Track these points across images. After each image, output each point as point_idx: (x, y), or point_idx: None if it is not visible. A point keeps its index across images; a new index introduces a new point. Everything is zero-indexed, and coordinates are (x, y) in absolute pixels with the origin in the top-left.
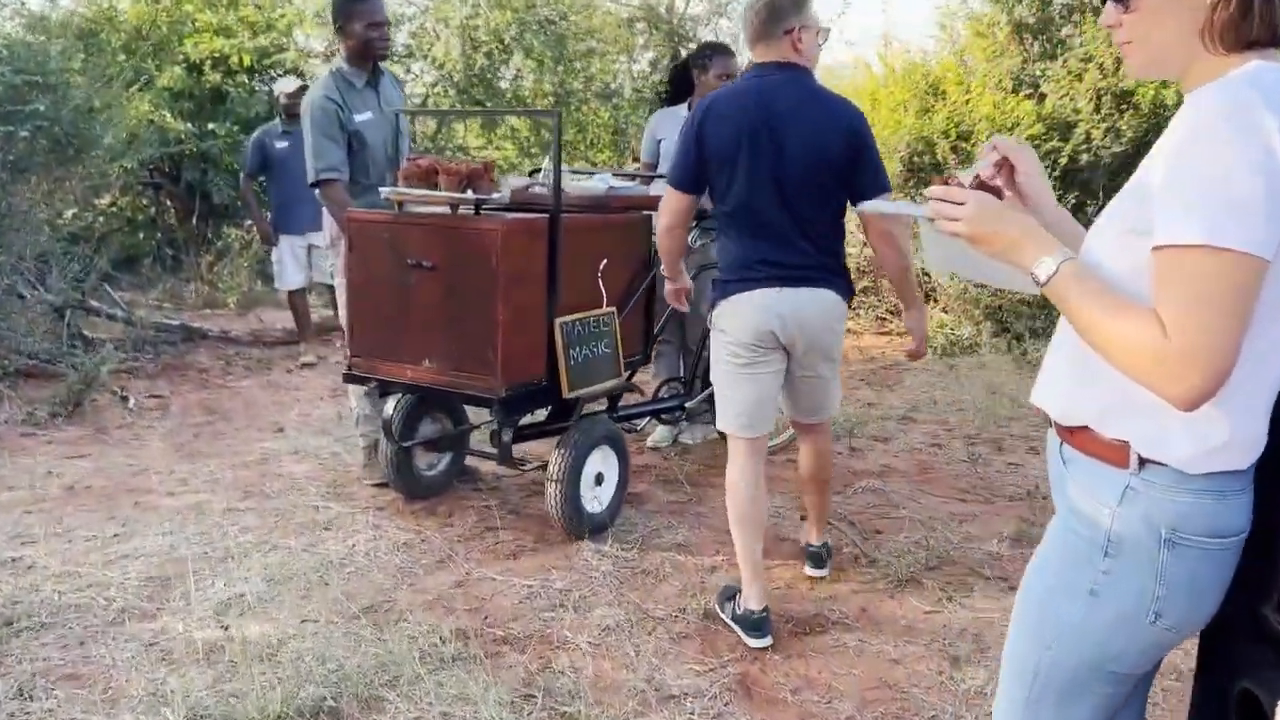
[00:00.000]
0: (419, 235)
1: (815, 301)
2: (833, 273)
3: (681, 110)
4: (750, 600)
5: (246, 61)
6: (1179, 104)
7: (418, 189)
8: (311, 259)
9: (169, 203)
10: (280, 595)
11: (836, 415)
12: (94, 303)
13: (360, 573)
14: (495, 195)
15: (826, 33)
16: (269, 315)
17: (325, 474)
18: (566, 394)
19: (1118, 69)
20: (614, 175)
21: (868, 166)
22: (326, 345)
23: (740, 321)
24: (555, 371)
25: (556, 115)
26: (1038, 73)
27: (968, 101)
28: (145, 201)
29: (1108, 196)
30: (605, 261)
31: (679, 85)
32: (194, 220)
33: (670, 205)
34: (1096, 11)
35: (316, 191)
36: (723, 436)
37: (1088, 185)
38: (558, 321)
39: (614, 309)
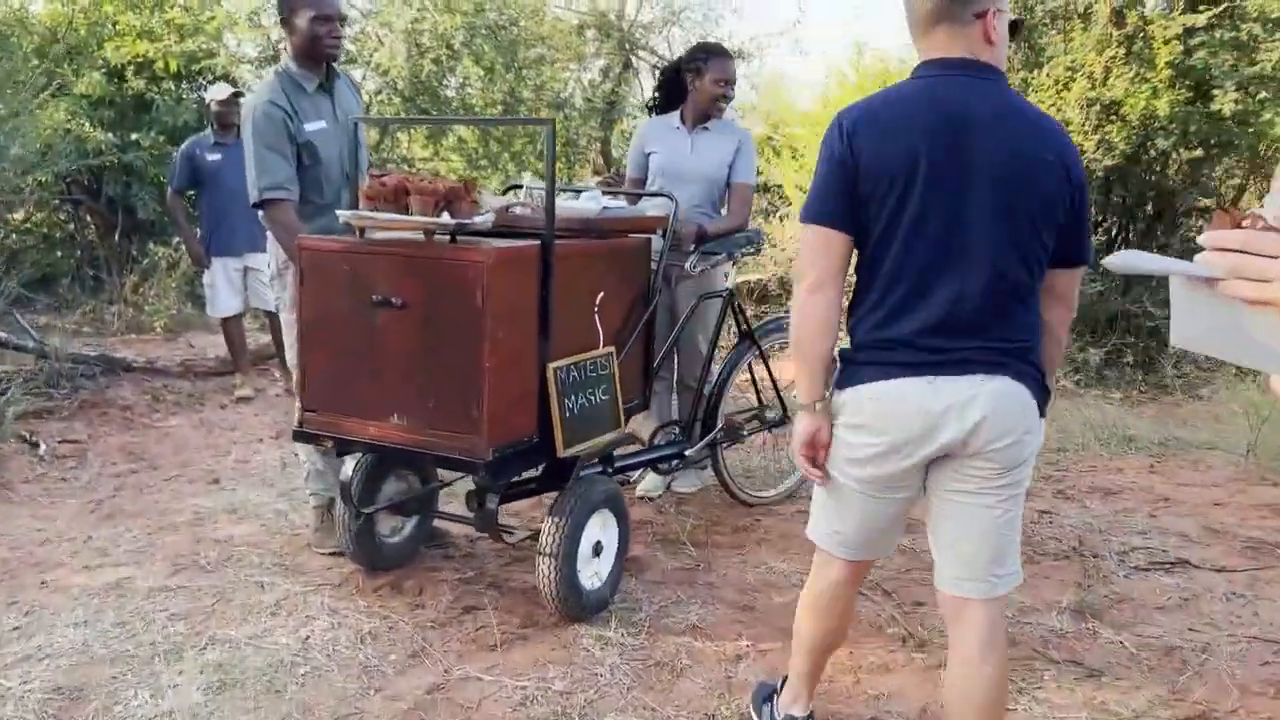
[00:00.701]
0: (386, 267)
1: (1002, 400)
2: (1025, 359)
3: (673, 120)
4: (795, 706)
5: (173, 67)
6: (1172, 115)
7: (384, 212)
8: (248, 282)
9: (89, 218)
10: (221, 709)
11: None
12: (1, 332)
13: (318, 674)
14: (478, 218)
15: (1009, 22)
16: (200, 340)
17: (270, 539)
18: (562, 452)
19: (1106, 78)
20: (604, 193)
21: (1082, 218)
22: (264, 375)
23: (880, 423)
24: (548, 426)
25: (550, 125)
26: (1021, 82)
27: None
28: (63, 217)
29: (1101, 212)
30: (601, 294)
31: (670, 92)
32: (116, 237)
33: (818, 250)
34: (1084, 19)
35: (260, 213)
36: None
37: None
38: (551, 367)
39: (612, 349)
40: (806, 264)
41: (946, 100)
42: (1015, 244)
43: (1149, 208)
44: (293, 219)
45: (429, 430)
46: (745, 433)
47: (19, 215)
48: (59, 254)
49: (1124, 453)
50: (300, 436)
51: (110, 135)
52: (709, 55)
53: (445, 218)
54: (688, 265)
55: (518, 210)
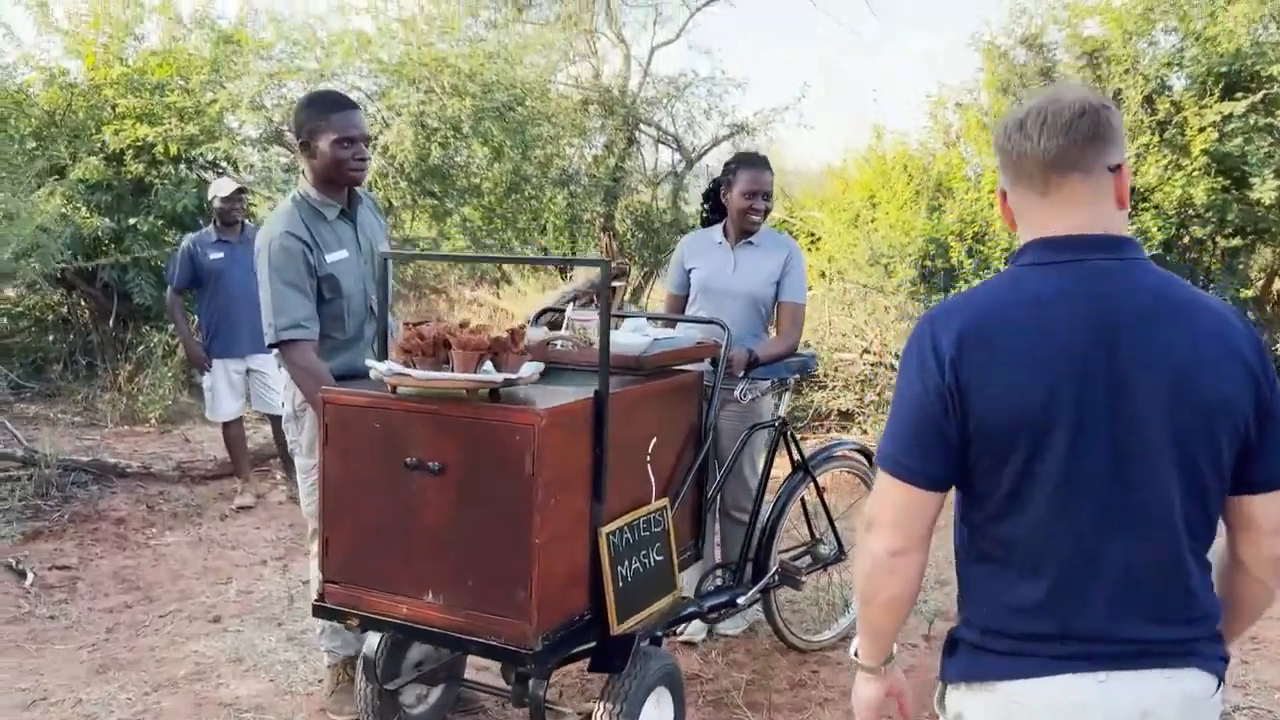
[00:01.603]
0: (422, 426)
1: (1177, 700)
2: (1206, 638)
3: (715, 234)
4: None
5: (173, 150)
6: (1210, 203)
7: (422, 366)
8: (250, 384)
9: (83, 303)
10: None
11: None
12: None
13: None
14: (525, 370)
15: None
16: (196, 434)
17: (280, 700)
18: (616, 629)
19: (1138, 167)
20: (649, 320)
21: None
22: (264, 478)
23: None
24: (600, 598)
25: (605, 265)
26: None
27: (978, 200)
28: (56, 300)
29: None
30: (654, 440)
31: (715, 205)
32: (111, 323)
33: (902, 510)
34: (1116, 105)
35: (275, 352)
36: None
37: None
38: (603, 532)
39: (666, 501)
40: (887, 520)
41: (1087, 303)
42: (1197, 490)
43: None
44: (312, 360)
45: (468, 612)
46: (802, 577)
47: (10, 293)
48: (50, 338)
49: None
50: (321, 612)
51: (107, 220)
52: (738, 165)
53: (488, 368)
54: (737, 393)
55: (559, 346)
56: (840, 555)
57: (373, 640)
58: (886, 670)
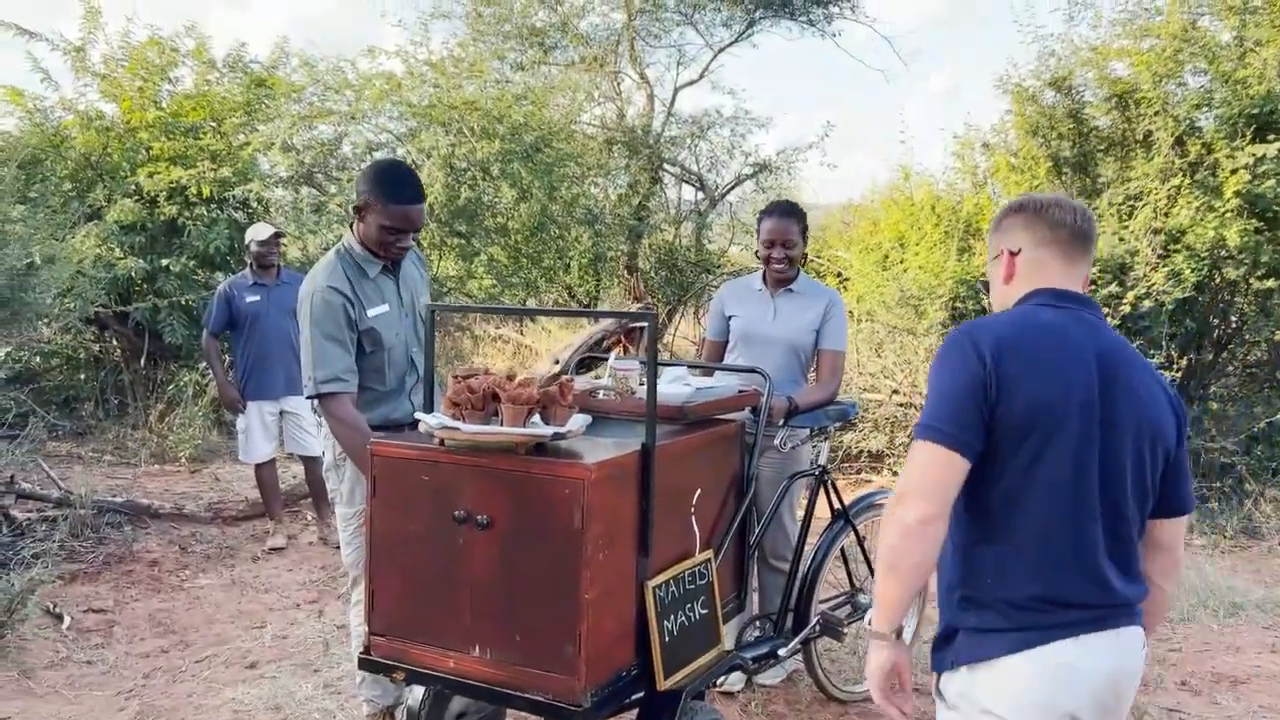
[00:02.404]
0: (471, 479)
1: (1133, 653)
2: (1138, 605)
3: (754, 282)
4: None
5: (206, 193)
6: (1243, 245)
7: (472, 421)
8: (284, 426)
9: (115, 342)
10: None
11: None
12: (23, 484)
13: None
14: (573, 423)
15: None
16: (226, 473)
17: None
18: (662, 685)
19: (1170, 207)
20: (689, 369)
21: (1186, 461)
22: (296, 519)
23: (1019, 699)
24: (646, 652)
25: (651, 319)
26: None
27: None
28: (89, 338)
29: (1170, 345)
30: (699, 492)
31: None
32: (142, 362)
33: (939, 476)
34: (1145, 145)
35: (314, 402)
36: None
37: (1149, 333)
38: (650, 586)
39: (710, 553)
40: (920, 488)
41: (1089, 337)
42: (1143, 491)
43: (1215, 337)
44: (351, 413)
45: (515, 667)
46: (843, 627)
47: (45, 331)
48: (82, 376)
49: (1235, 623)
50: (367, 665)
51: (141, 261)
52: (761, 216)
53: (537, 420)
54: (777, 441)
55: (602, 396)
56: None
57: (418, 693)
58: (897, 640)
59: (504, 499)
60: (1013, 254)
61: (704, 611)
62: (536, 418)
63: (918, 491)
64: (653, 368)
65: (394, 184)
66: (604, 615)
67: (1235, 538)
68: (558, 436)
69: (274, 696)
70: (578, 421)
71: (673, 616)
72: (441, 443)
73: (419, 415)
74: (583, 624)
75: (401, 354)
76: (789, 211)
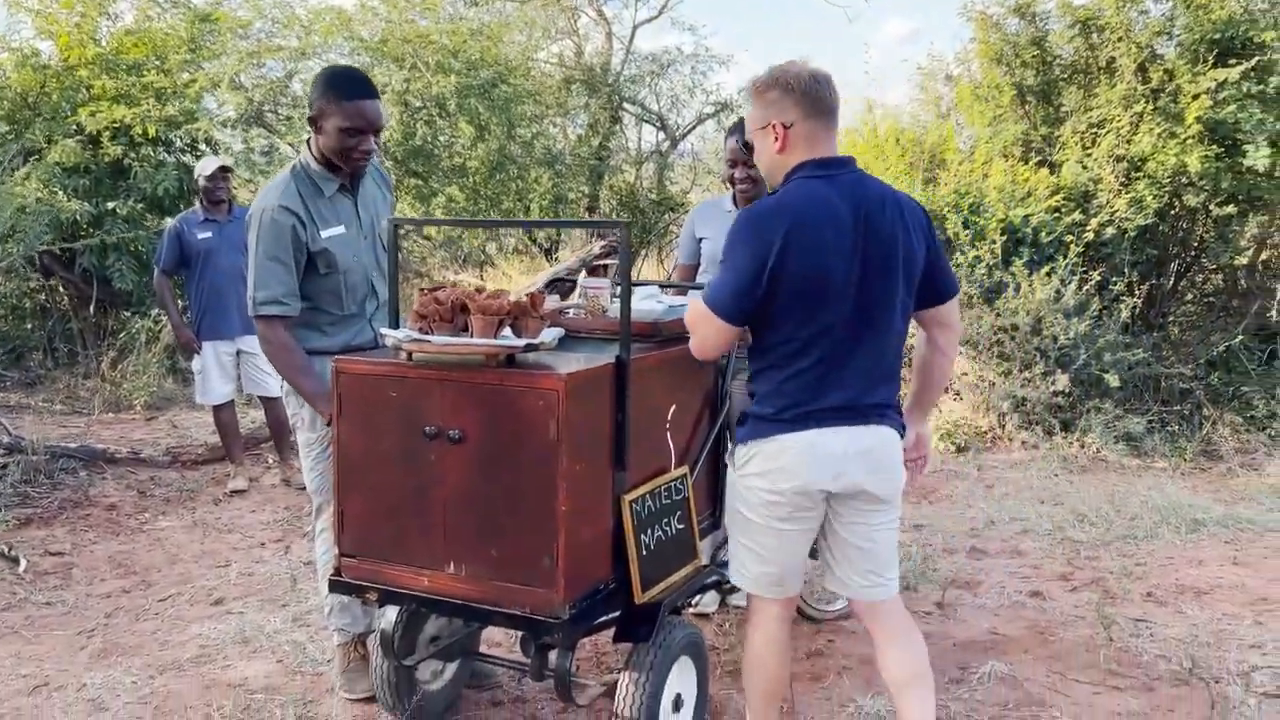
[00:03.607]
0: (441, 394)
1: (884, 441)
2: (897, 408)
3: (725, 202)
4: None
5: (151, 132)
6: (1203, 171)
7: (440, 333)
8: (241, 366)
9: (62, 289)
10: None
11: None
12: None
13: None
14: (546, 335)
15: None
16: (184, 420)
17: (289, 680)
18: (640, 598)
19: (1133, 134)
20: (661, 288)
21: (942, 255)
22: (257, 462)
23: (789, 469)
24: (623, 567)
25: (625, 227)
26: (1042, 139)
27: (972, 171)
28: (33, 286)
29: (1133, 271)
30: (674, 408)
31: None
32: (92, 309)
33: (715, 340)
34: (1109, 73)
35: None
36: None
37: (1111, 260)
38: (626, 500)
39: (685, 469)
40: (701, 339)
41: (857, 200)
42: (903, 312)
43: (1175, 265)
44: (285, 338)
45: (492, 583)
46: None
47: None
48: (29, 326)
49: (1197, 538)
50: (338, 587)
51: (85, 204)
52: (726, 135)
53: (508, 333)
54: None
55: (573, 314)
56: None
57: (390, 615)
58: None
59: (476, 413)
60: (786, 126)
61: (680, 526)
62: (507, 330)
63: (696, 336)
64: (626, 277)
65: (346, 82)
66: (581, 528)
67: (1195, 460)
68: (530, 348)
69: (242, 630)
70: (550, 334)
71: (650, 530)
72: (409, 357)
73: (383, 331)
74: (560, 536)
75: (361, 277)
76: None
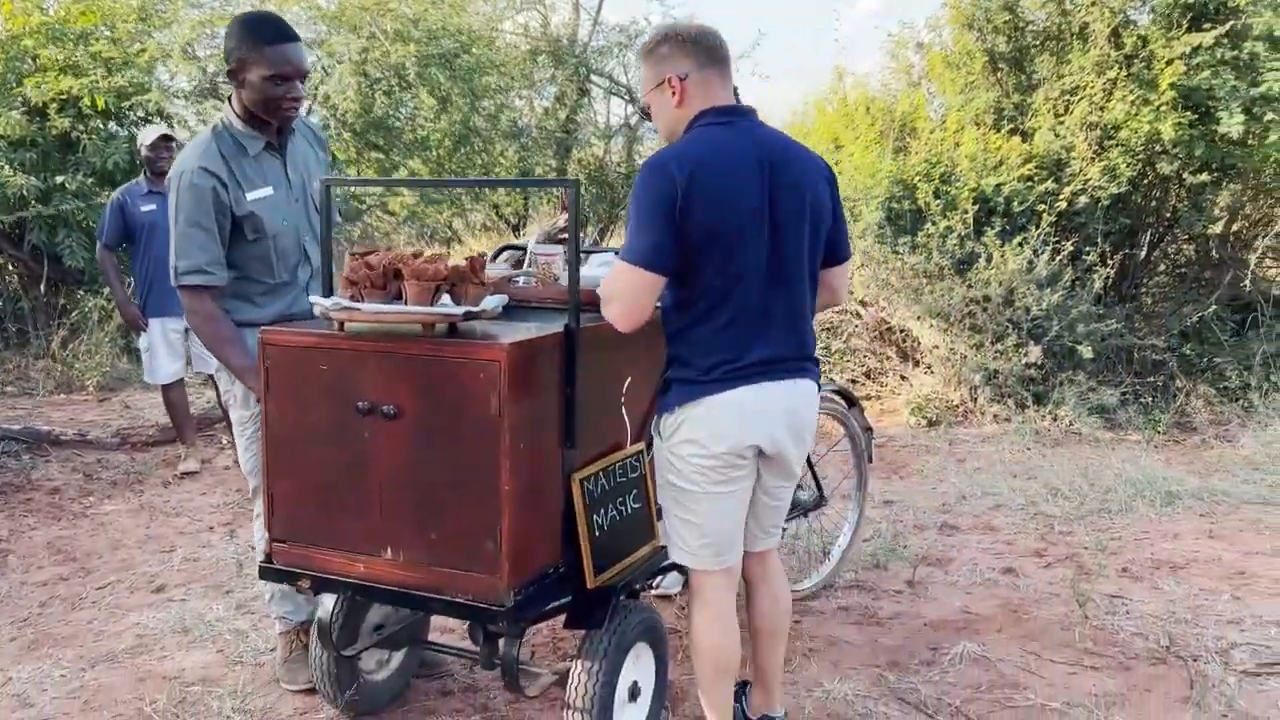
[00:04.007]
0: (375, 367)
1: (806, 397)
2: (815, 361)
3: None
4: None
5: (100, 104)
6: (1177, 139)
7: (372, 300)
8: (190, 344)
9: (10, 268)
10: None
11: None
12: None
13: None
14: (488, 302)
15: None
16: (137, 400)
17: (229, 672)
18: (593, 582)
19: (1106, 101)
20: (616, 254)
21: (844, 223)
22: (209, 443)
23: (720, 430)
24: (574, 549)
25: (575, 185)
26: (1014, 106)
27: (944, 140)
28: None
29: (1106, 241)
30: (629, 380)
31: None
32: (42, 288)
33: (642, 296)
34: (1082, 39)
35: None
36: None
37: (1084, 229)
38: (577, 478)
39: (642, 445)
40: (621, 297)
41: (760, 145)
42: (813, 261)
43: (1148, 235)
44: (212, 309)
45: (432, 568)
46: (783, 526)
47: None
48: None
49: (1172, 512)
50: (269, 574)
51: (33, 179)
52: None
53: (446, 302)
54: None
55: (522, 282)
56: (820, 501)
57: (327, 603)
58: None
59: (412, 386)
60: (681, 79)
61: (636, 506)
62: (446, 298)
63: (619, 299)
64: (574, 239)
65: (266, 27)
66: (527, 509)
67: (1169, 432)
68: (470, 316)
69: (182, 619)
70: (492, 301)
71: (603, 511)
72: (341, 327)
73: (312, 299)
74: (504, 518)
75: (292, 242)
76: None
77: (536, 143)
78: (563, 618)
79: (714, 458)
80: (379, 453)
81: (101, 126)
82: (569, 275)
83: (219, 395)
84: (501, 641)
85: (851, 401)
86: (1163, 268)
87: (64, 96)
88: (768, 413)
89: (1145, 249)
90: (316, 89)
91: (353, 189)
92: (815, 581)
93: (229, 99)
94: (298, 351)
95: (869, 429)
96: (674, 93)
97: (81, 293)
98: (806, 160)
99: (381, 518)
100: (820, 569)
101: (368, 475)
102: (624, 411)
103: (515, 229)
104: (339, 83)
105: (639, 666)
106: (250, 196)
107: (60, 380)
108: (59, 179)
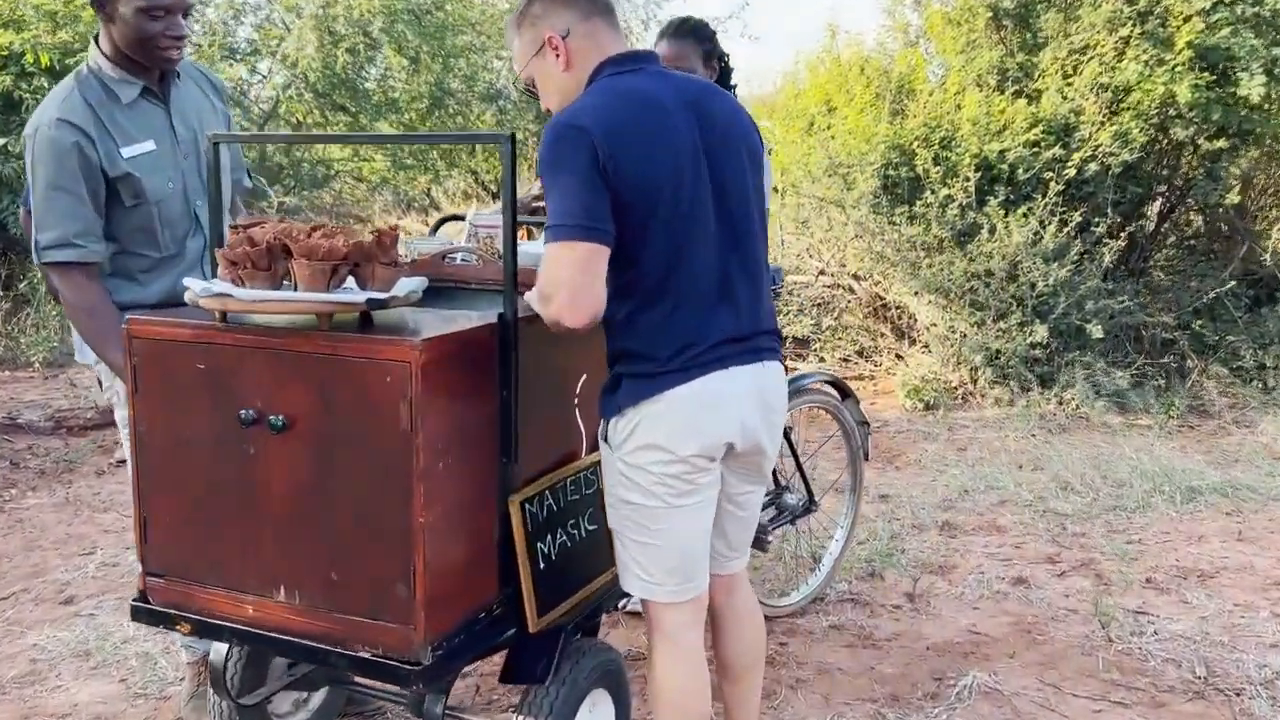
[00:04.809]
0: (260, 366)
1: (776, 380)
2: (779, 336)
3: None
4: None
5: (45, 61)
6: (1193, 102)
7: (256, 285)
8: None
9: None
10: None
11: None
12: None
13: None
14: (402, 286)
15: None
16: (85, 378)
17: (128, 707)
18: (535, 625)
19: (1118, 61)
20: None
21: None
22: None
23: (687, 427)
24: (513, 584)
25: (508, 140)
26: (1018, 66)
27: (944, 102)
28: None
29: (1115, 211)
30: (584, 377)
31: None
32: None
33: (587, 278)
34: None
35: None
36: None
37: (1093, 199)
38: (516, 500)
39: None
40: (569, 285)
41: (674, 90)
42: (760, 213)
43: (1157, 206)
44: (89, 292)
45: (334, 615)
46: (769, 536)
47: None
48: None
49: (1194, 509)
50: (142, 616)
51: None
52: (656, 41)
53: (350, 287)
54: None
55: (460, 260)
56: (810, 505)
57: (220, 646)
58: None
59: (305, 392)
60: (563, 37)
61: (592, 527)
62: (350, 281)
63: (562, 288)
64: (510, 207)
65: None
66: (449, 543)
67: (1183, 416)
68: (376, 305)
69: (85, 640)
70: (408, 285)
71: (549, 538)
72: (222, 318)
73: (186, 281)
74: (418, 556)
75: (179, 208)
76: (683, 31)
77: (516, 106)
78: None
79: (681, 462)
80: (268, 472)
81: (46, 85)
82: (504, 250)
83: (100, 389)
84: (425, 697)
85: (846, 393)
86: (1171, 240)
87: (5, 53)
88: (738, 401)
89: (1155, 220)
90: (277, 46)
91: (276, 151)
92: (803, 595)
93: (94, 37)
94: (169, 345)
95: (865, 423)
96: (558, 54)
97: (29, 262)
98: (728, 100)
99: (274, 551)
100: (809, 580)
101: (256, 499)
102: (578, 414)
103: (495, 196)
104: (298, 39)
105: (595, 717)
106: (126, 153)
107: (4, 356)
108: (1, 141)
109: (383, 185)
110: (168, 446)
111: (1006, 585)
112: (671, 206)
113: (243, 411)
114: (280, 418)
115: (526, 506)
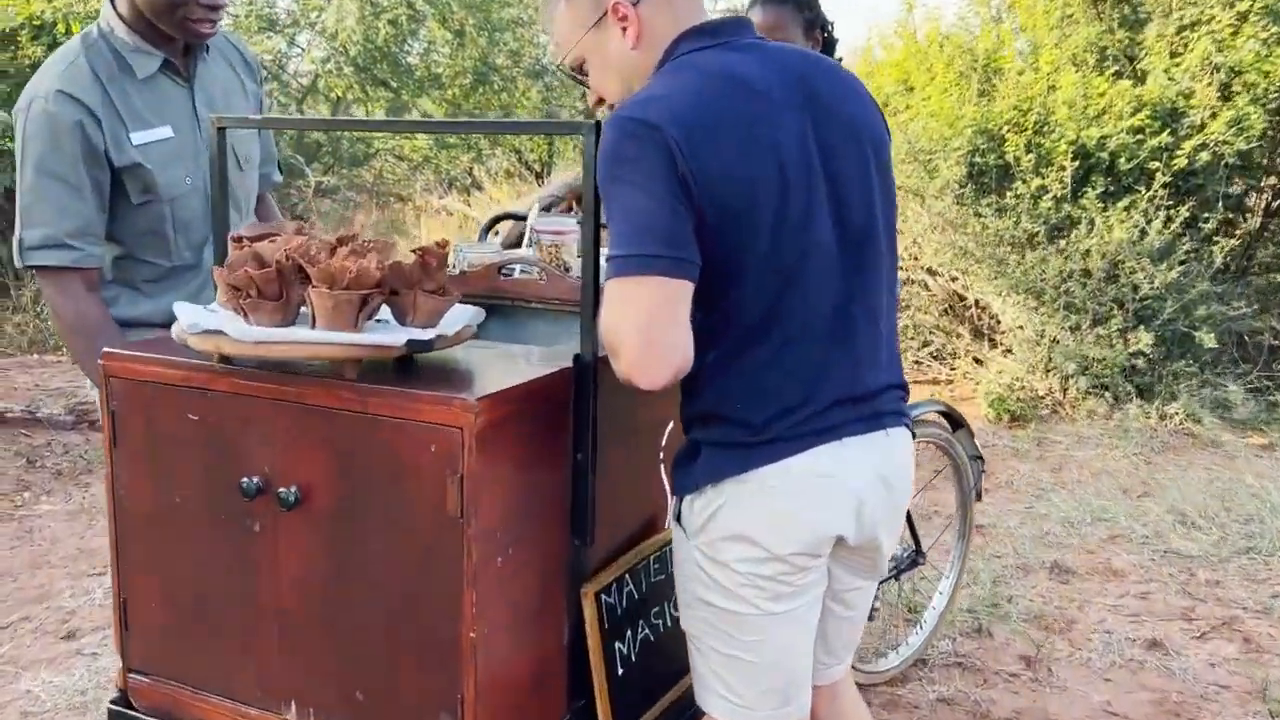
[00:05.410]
0: (267, 423)
1: (902, 453)
2: (905, 390)
3: None
4: None
5: (76, 30)
6: None
7: (259, 321)
8: None
9: None
10: None
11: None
12: None
13: None
14: (447, 328)
15: None
16: None
17: None
18: None
19: (1234, 37)
20: None
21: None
22: None
23: (788, 519)
24: (585, 696)
25: (592, 130)
26: (1120, 44)
27: (1036, 83)
28: None
29: (1227, 207)
30: (671, 426)
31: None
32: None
33: (665, 320)
34: None
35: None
36: None
37: (1202, 193)
38: (590, 591)
39: None
40: (650, 339)
41: (779, 65)
42: (890, 234)
43: (1264, 199)
44: (85, 304)
45: None
46: (875, 601)
47: None
48: None
49: None
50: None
51: (4, 114)
52: (749, 8)
53: (385, 320)
54: None
55: (518, 274)
56: (917, 558)
57: None
58: None
59: (323, 458)
60: (634, 4)
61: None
62: (386, 313)
63: (635, 334)
64: (592, 216)
65: None
66: (508, 658)
67: None
68: (419, 346)
69: (83, 687)
70: (460, 318)
71: (628, 634)
72: (223, 357)
73: (176, 309)
74: (467, 679)
75: (200, 208)
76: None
77: (564, 83)
78: None
79: (777, 560)
80: (275, 556)
81: None
82: (583, 271)
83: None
84: None
85: (958, 424)
86: (1273, 238)
87: (37, 23)
88: (854, 484)
89: (1261, 217)
90: (316, 17)
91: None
92: (903, 657)
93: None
94: (154, 389)
95: (978, 457)
96: (625, 25)
97: None
98: (846, 77)
99: (283, 657)
100: (909, 638)
101: (260, 590)
102: (663, 471)
103: (539, 176)
104: (338, 11)
105: None
106: (136, 139)
107: (35, 338)
108: None
109: (424, 164)
110: (153, 514)
111: (1140, 650)
112: (775, 225)
113: (245, 479)
114: (292, 490)
115: (603, 598)
